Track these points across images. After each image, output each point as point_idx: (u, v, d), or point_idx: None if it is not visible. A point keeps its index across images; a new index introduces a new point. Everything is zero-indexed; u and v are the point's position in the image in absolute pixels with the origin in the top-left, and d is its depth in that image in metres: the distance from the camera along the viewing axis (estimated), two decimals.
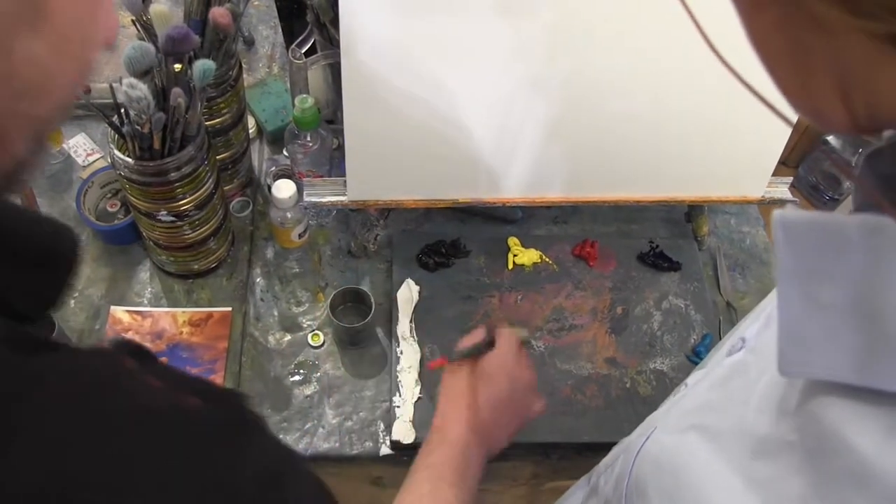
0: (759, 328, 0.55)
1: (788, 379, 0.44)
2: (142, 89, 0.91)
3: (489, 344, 0.88)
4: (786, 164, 2.12)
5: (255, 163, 1.34)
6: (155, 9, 0.99)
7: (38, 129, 0.39)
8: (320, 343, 1.17)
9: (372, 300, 1.13)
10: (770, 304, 0.55)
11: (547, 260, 1.26)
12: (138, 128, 0.95)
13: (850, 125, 0.36)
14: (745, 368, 0.53)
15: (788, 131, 1.12)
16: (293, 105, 1.15)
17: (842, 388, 0.38)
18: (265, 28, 1.53)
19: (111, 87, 0.98)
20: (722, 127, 1.11)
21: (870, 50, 0.32)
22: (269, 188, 1.21)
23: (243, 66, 1.25)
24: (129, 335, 1.15)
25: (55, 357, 0.35)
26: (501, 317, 1.16)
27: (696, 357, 1.18)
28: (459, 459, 0.79)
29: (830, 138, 2.21)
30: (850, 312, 0.37)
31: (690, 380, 0.68)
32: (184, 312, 1.18)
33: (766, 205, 1.26)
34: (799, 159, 2.25)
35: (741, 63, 0.40)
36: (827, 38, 0.33)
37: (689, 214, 1.33)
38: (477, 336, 0.90)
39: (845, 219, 0.37)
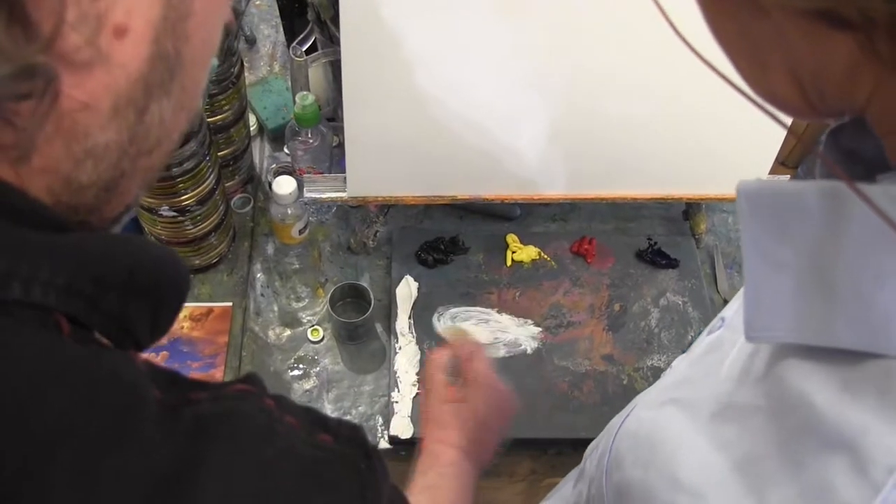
0: (737, 308, 0.56)
1: (755, 345, 0.46)
2: None
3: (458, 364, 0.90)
4: (785, 164, 2.12)
5: (256, 160, 1.36)
6: None
7: (151, 178, 0.40)
8: (320, 338, 1.18)
9: (371, 296, 1.14)
10: None
11: (545, 257, 1.27)
12: None
13: (807, 108, 0.38)
14: (720, 344, 0.55)
15: (785, 128, 1.13)
16: (294, 102, 1.16)
17: (803, 349, 0.40)
18: (266, 27, 1.54)
19: None
20: (719, 124, 1.12)
21: (805, 29, 0.33)
22: (270, 185, 1.22)
23: (245, 64, 1.27)
24: None
25: (213, 404, 0.35)
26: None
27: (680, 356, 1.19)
28: (453, 481, 0.81)
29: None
30: (808, 275, 0.39)
31: (675, 363, 0.70)
32: (185, 307, 1.19)
33: None
34: (798, 160, 2.26)
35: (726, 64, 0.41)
36: (769, 23, 0.34)
37: (687, 212, 1.34)
38: (445, 353, 0.91)
39: (804, 185, 0.39)
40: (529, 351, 1.17)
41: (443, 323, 1.18)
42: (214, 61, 0.99)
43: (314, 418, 0.40)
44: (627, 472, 0.56)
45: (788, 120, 0.43)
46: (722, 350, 0.53)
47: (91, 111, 0.33)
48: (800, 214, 0.39)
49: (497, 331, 1.18)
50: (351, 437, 0.40)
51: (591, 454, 0.73)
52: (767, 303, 0.41)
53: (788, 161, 2.16)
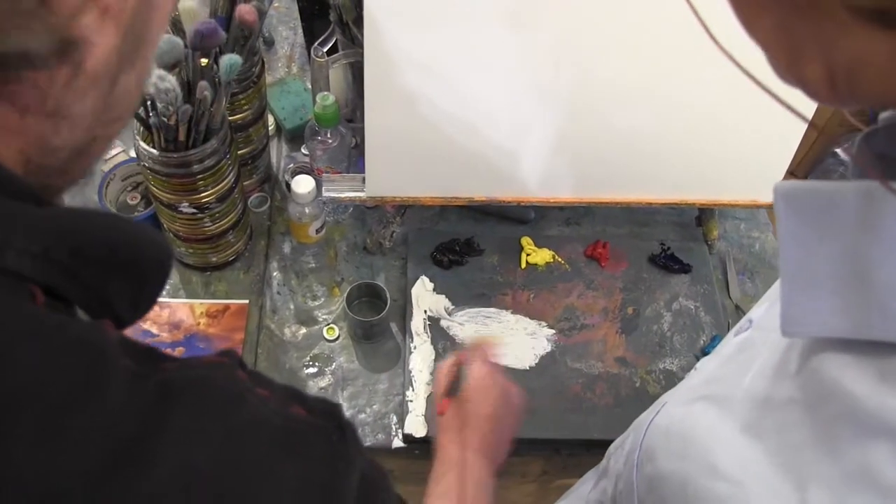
0: (766, 309, 0.57)
1: (789, 340, 0.47)
2: (171, 81, 0.93)
3: (459, 377, 0.92)
4: (795, 174, 2.14)
5: (274, 160, 1.37)
6: (183, 5, 1.01)
7: (110, 145, 0.43)
8: (335, 336, 1.19)
9: (387, 295, 1.15)
10: (777, 289, 0.58)
11: (559, 260, 1.28)
12: (164, 119, 0.98)
13: (835, 98, 0.38)
14: (750, 343, 0.56)
15: (799, 136, 1.14)
16: (314, 103, 1.18)
17: (839, 342, 0.41)
18: (285, 29, 1.56)
19: None
20: (732, 131, 1.13)
21: (846, 28, 0.34)
22: (287, 185, 1.23)
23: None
24: (147, 325, 1.17)
25: (182, 371, 0.36)
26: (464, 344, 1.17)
27: (704, 357, 1.20)
28: (468, 482, 0.82)
29: (839, 150, 2.24)
30: (843, 271, 0.40)
31: (700, 364, 0.70)
32: (201, 304, 1.21)
33: None
34: (808, 170, 2.27)
35: (750, 59, 0.41)
36: (810, 16, 0.35)
37: (700, 218, 1.35)
38: (444, 369, 0.94)
39: (840, 185, 0.40)
40: (541, 352, 1.18)
41: (457, 321, 1.19)
42: (238, 59, 1.00)
43: (291, 393, 0.41)
44: (661, 465, 0.57)
45: (810, 112, 0.44)
46: (753, 349, 0.54)
47: (81, 80, 0.36)
48: (836, 213, 0.40)
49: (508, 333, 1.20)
50: (325, 410, 0.41)
51: (616, 452, 0.74)
52: (803, 298, 0.42)
53: (798, 171, 2.18)
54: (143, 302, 0.40)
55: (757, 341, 0.55)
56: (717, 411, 0.52)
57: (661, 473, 0.56)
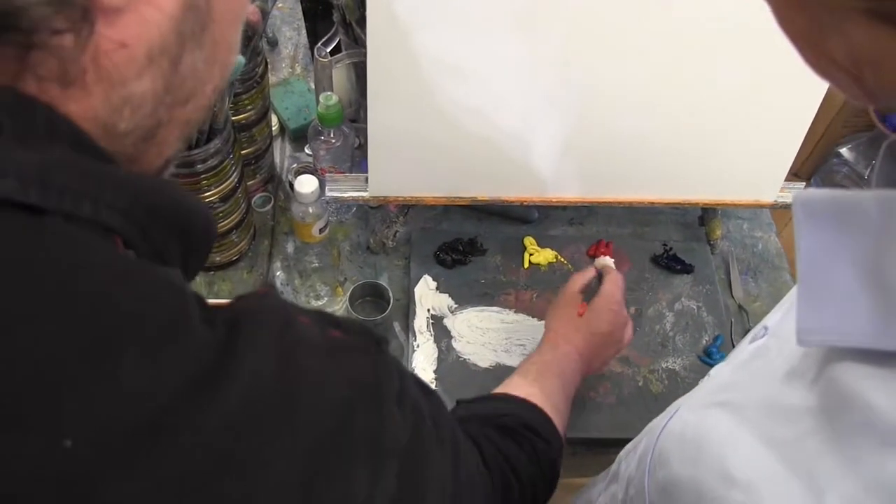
0: (782, 316, 0.57)
1: (806, 349, 0.46)
2: None
3: (598, 281, 1.08)
4: (798, 175, 2.14)
5: (277, 160, 1.37)
6: None
7: (188, 131, 0.43)
8: None
9: (390, 295, 1.15)
10: (793, 296, 0.57)
11: (562, 260, 1.28)
12: None
13: (864, 95, 0.39)
14: (766, 351, 0.55)
15: (802, 136, 1.14)
16: (317, 103, 1.18)
17: (858, 352, 0.41)
18: (288, 29, 1.56)
19: None
20: (735, 132, 1.13)
21: (870, 30, 0.34)
22: (291, 185, 1.23)
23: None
24: None
25: (240, 306, 0.39)
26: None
27: (707, 357, 1.20)
28: (565, 364, 0.94)
29: (843, 150, 2.24)
30: (864, 280, 0.40)
31: (713, 372, 0.70)
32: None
33: (779, 209, 1.28)
34: (811, 171, 2.27)
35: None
36: (833, 17, 0.36)
37: (703, 218, 1.36)
38: (588, 273, 1.10)
39: (862, 194, 0.40)
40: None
41: (461, 317, 1.20)
42: (241, 59, 1.00)
43: (328, 319, 0.45)
44: (674, 470, 0.57)
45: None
46: (768, 356, 0.54)
47: (127, 55, 0.36)
48: (856, 221, 0.40)
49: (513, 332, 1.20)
50: (360, 330, 0.45)
51: (628, 456, 0.74)
52: (822, 307, 0.42)
53: (801, 172, 2.18)
54: (190, 269, 0.43)
55: (773, 348, 0.54)
56: (732, 418, 0.52)
57: (674, 479, 0.56)
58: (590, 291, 1.07)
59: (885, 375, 0.39)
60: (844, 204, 0.41)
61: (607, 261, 1.17)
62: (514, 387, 0.87)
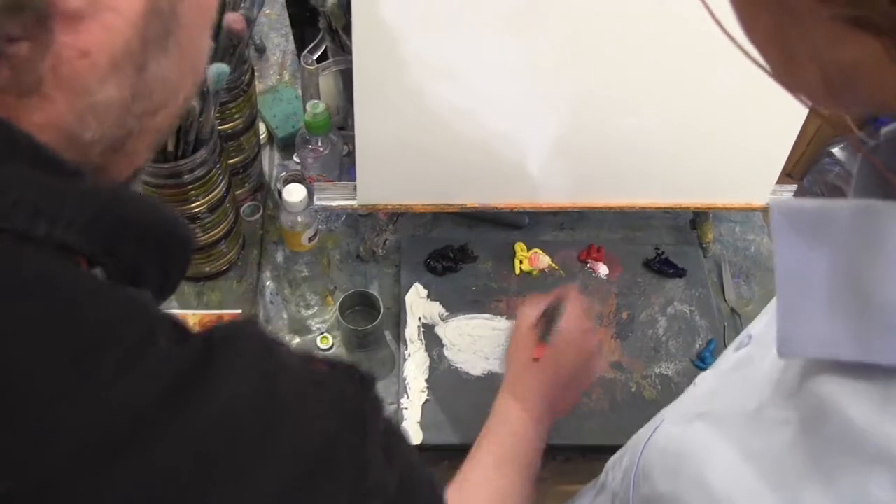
0: (765, 323, 0.56)
1: (787, 360, 0.46)
2: None
3: (554, 317, 0.91)
4: (791, 175, 2.13)
5: (266, 168, 1.36)
6: None
7: (158, 140, 0.42)
8: (329, 346, 1.18)
9: (381, 304, 1.14)
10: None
11: (554, 265, 1.27)
12: None
13: (832, 101, 0.38)
14: (749, 360, 0.55)
15: (793, 139, 1.13)
16: (304, 111, 1.17)
17: (837, 365, 0.40)
18: (276, 36, 1.55)
19: None
20: (727, 134, 1.13)
21: (838, 34, 0.34)
22: (280, 193, 1.22)
23: (255, 73, 1.28)
24: None
25: (218, 328, 0.39)
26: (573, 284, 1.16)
27: (700, 362, 1.19)
28: (521, 447, 0.81)
29: (835, 150, 2.23)
30: (843, 291, 0.39)
31: (698, 380, 0.69)
32: (194, 315, 1.20)
33: None
34: (803, 171, 2.26)
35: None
36: (803, 22, 0.35)
37: (695, 222, 1.35)
38: (540, 304, 0.93)
39: (839, 202, 0.39)
40: None
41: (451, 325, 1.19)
42: (226, 68, 0.99)
43: (310, 356, 0.44)
44: (656, 485, 0.56)
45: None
46: (751, 366, 0.53)
47: (89, 63, 0.35)
48: (834, 231, 0.39)
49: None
50: (345, 366, 0.44)
51: (614, 468, 0.73)
52: (801, 318, 0.41)
53: (794, 172, 2.17)
54: (169, 284, 0.42)
55: (756, 358, 0.54)
56: (714, 430, 0.51)
57: (658, 494, 0.55)
58: (549, 321, 0.91)
59: (866, 389, 0.38)
60: (820, 213, 0.40)
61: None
62: (474, 491, 0.76)
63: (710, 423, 0.52)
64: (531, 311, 0.93)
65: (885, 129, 0.43)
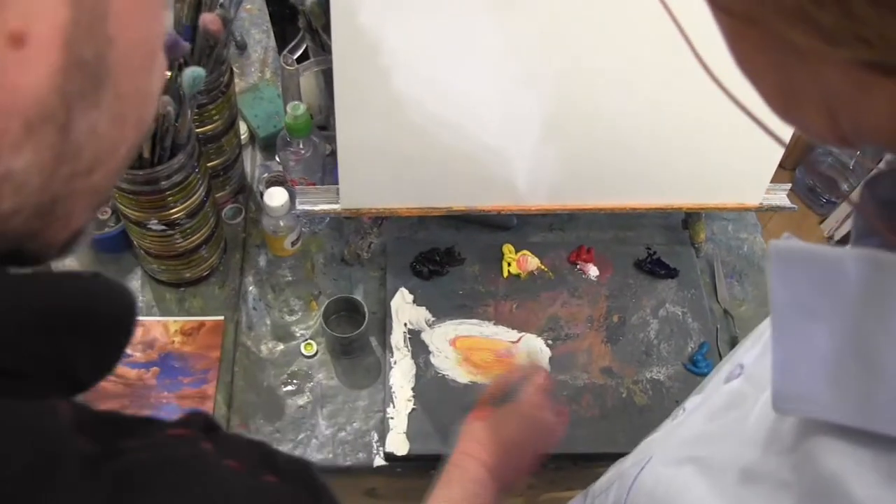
0: (757, 355, 0.53)
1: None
2: None
3: (510, 394, 0.92)
4: (783, 166, 2.11)
5: (248, 169, 1.33)
6: None
7: (99, 200, 0.37)
8: (313, 353, 1.15)
9: (366, 309, 1.11)
10: (768, 329, 0.54)
11: (543, 267, 1.24)
12: None
13: (838, 139, 0.35)
14: (742, 399, 0.51)
15: (787, 136, 1.11)
16: (285, 111, 1.14)
17: (839, 428, 0.37)
18: (258, 32, 1.51)
19: None
20: (720, 133, 1.10)
21: (849, 76, 0.31)
22: (262, 195, 1.19)
23: (235, 70, 1.24)
24: None
25: (141, 454, 0.33)
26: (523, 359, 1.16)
27: (693, 366, 1.17)
28: (474, 494, 0.81)
29: None
30: (846, 351, 0.36)
31: (688, 404, 0.66)
32: (175, 321, 1.17)
33: (764, 211, 1.24)
34: (796, 162, 2.24)
35: (732, 80, 0.39)
36: (807, 65, 0.33)
37: (687, 221, 1.32)
38: (502, 383, 0.94)
39: (843, 252, 0.36)
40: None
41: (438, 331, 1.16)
42: (202, 71, 0.96)
43: (261, 456, 0.39)
44: None
45: (786, 137, 0.41)
46: (744, 406, 0.50)
47: None
48: (839, 284, 0.36)
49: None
50: (297, 474, 0.39)
51: (601, 496, 0.70)
52: (799, 374, 0.38)
53: (786, 163, 2.14)
54: (105, 363, 0.37)
55: (748, 398, 0.50)
56: (704, 480, 0.48)
57: None
58: (505, 394, 0.93)
59: (868, 459, 0.35)
60: (823, 261, 0.37)
61: (538, 355, 1.08)
62: None
63: (702, 469, 0.50)
64: (492, 388, 0.94)
65: (887, 158, 0.40)
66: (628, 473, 0.62)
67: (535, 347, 1.06)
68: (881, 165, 0.40)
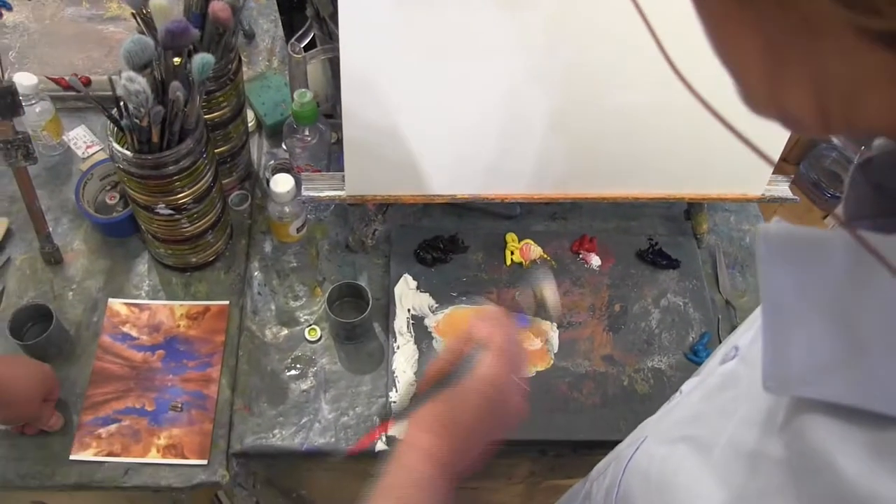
0: (752, 338, 0.54)
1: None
2: (140, 83, 0.91)
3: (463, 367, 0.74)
4: (787, 160, 2.11)
5: (254, 156, 1.34)
6: (155, 3, 0.98)
7: None
8: (317, 338, 1.17)
9: (369, 295, 1.13)
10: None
11: (545, 256, 1.25)
12: (137, 121, 0.95)
13: (822, 127, 0.35)
14: (736, 380, 0.52)
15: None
16: (292, 99, 1.15)
17: (828, 405, 0.38)
18: (265, 21, 1.52)
19: (110, 80, 0.98)
20: (721, 125, 1.11)
21: (849, 54, 0.31)
22: (268, 182, 1.21)
23: (243, 59, 1.25)
24: (126, 328, 1.15)
25: None
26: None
27: (693, 355, 1.18)
28: (420, 490, 0.66)
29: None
30: (834, 329, 0.37)
31: (685, 387, 0.67)
32: (181, 305, 1.18)
33: (767, 202, 1.25)
34: (800, 156, 2.24)
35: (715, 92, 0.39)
36: (810, 38, 0.32)
37: (689, 212, 1.33)
38: (445, 358, 0.76)
39: (829, 234, 0.37)
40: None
41: (437, 317, 1.17)
42: (211, 58, 0.97)
43: None
44: None
45: (775, 157, 0.41)
46: (738, 387, 0.51)
47: None
48: (824, 265, 0.37)
49: None
50: None
51: (599, 479, 0.71)
52: (788, 355, 0.39)
53: (790, 158, 2.15)
54: None
55: (742, 378, 0.51)
56: (698, 460, 0.49)
57: None
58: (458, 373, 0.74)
59: (857, 436, 0.36)
60: (811, 243, 0.38)
61: (493, 322, 0.77)
62: None
63: (695, 448, 0.50)
64: (435, 363, 0.77)
65: (876, 143, 0.41)
66: (624, 454, 0.63)
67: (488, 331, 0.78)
68: (873, 149, 0.41)
